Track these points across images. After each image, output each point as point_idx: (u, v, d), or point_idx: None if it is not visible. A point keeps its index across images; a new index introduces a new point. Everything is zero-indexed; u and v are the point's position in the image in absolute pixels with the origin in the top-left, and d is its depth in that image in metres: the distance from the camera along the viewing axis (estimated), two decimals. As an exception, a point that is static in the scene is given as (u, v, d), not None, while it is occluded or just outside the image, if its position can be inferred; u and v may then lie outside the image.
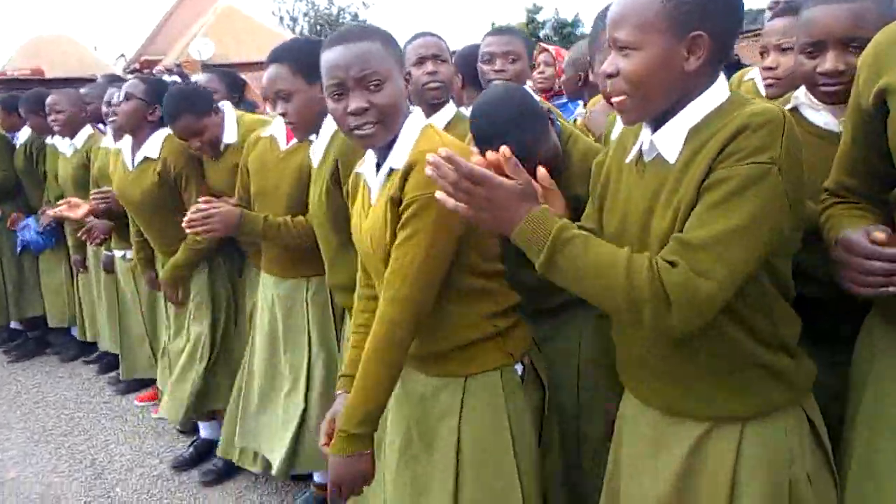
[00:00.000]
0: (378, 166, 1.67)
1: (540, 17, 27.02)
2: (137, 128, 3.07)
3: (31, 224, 4.68)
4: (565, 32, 25.84)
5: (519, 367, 1.72)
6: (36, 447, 3.76)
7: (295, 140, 2.56)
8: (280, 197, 2.57)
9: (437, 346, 1.67)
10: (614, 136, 1.61)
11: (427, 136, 1.60)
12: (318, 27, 30.20)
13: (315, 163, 2.25)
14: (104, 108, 3.70)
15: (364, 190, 1.74)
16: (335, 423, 1.65)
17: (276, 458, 2.67)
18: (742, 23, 1.28)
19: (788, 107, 1.68)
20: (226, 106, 2.99)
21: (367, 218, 1.68)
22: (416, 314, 1.56)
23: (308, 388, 2.65)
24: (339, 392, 1.78)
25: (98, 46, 27.95)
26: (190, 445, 3.54)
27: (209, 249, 3.10)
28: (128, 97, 3.02)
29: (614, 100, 1.29)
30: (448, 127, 2.46)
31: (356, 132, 1.58)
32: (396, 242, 1.55)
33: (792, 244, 1.31)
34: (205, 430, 3.54)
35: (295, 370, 2.69)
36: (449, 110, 2.51)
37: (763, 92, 2.12)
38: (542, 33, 26.18)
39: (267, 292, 2.78)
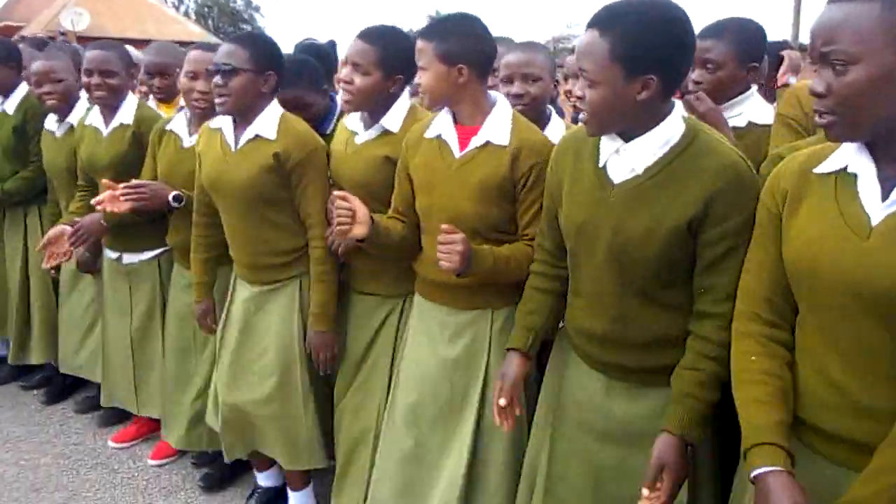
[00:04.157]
0: None
1: (441, 25, 26.72)
2: (250, 105, 2.35)
3: None
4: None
5: None
6: (2, 511, 2.83)
7: (473, 146, 1.99)
8: (463, 218, 1.97)
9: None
10: None
11: None
12: (206, 9, 28.30)
13: None
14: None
15: None
16: None
17: None
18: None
19: None
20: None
21: None
22: None
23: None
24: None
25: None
26: (249, 498, 2.83)
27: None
28: (233, 70, 2.26)
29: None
30: None
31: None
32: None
33: None
34: (266, 479, 2.80)
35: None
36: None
37: None
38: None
39: (432, 325, 2.15)
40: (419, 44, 1.98)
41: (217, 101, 2.29)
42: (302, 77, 2.63)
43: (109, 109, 2.98)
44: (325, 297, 2.37)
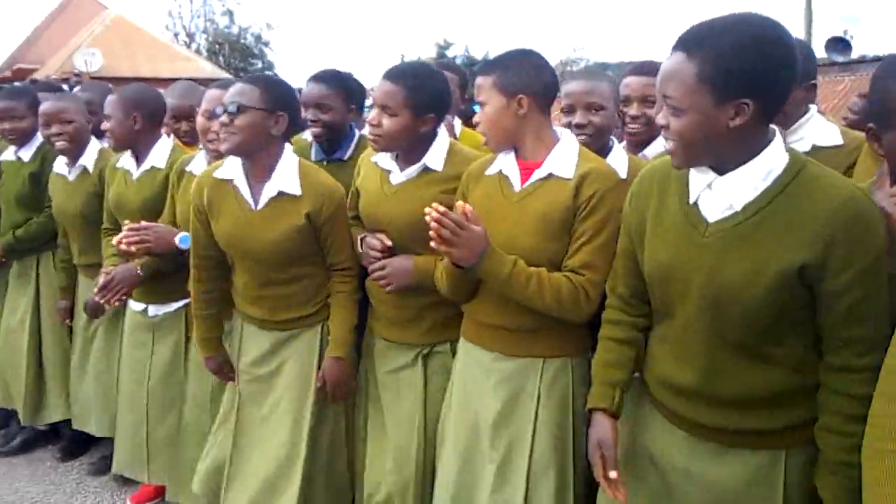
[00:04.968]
0: None
1: (450, 53, 26.89)
2: (257, 147, 2.20)
3: None
4: (475, 70, 25.90)
5: None
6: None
7: (535, 178, 1.88)
8: (519, 252, 1.85)
9: None
10: None
11: None
12: (217, 46, 28.70)
13: None
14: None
15: None
16: None
17: None
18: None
19: None
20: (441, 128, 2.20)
21: None
22: None
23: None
24: None
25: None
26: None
27: None
28: (241, 108, 2.12)
29: None
30: None
31: None
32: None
33: None
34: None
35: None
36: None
37: None
38: (451, 70, 26.08)
39: (475, 371, 2.00)
40: (478, 80, 1.93)
41: (222, 136, 2.15)
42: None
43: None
44: (350, 323, 2.29)
